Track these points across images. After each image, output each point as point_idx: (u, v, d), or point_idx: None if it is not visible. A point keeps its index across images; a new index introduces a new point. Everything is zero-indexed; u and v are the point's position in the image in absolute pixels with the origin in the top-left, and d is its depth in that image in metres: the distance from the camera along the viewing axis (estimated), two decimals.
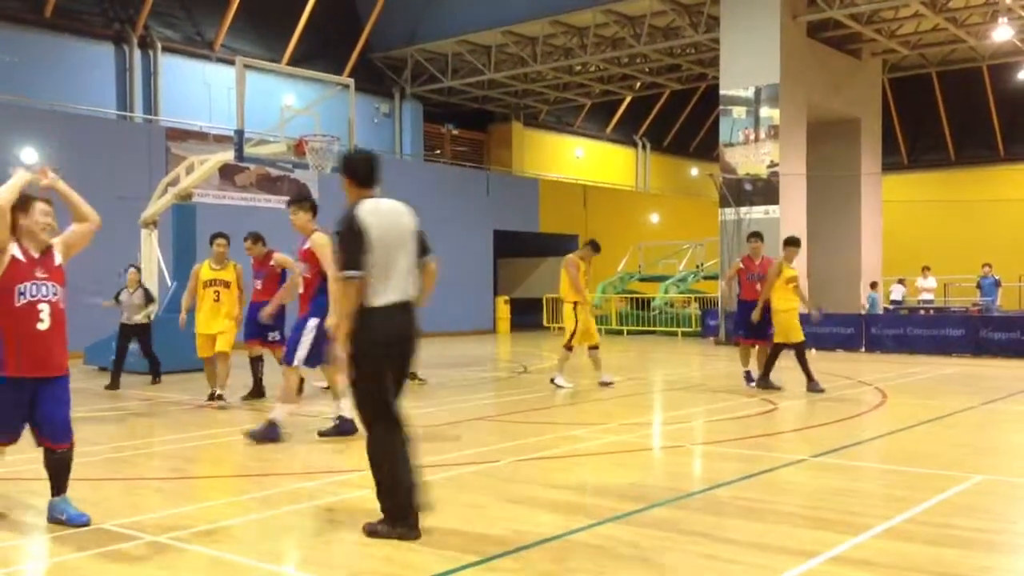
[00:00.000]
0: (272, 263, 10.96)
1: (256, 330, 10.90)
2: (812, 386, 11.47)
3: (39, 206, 5.32)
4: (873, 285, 24.59)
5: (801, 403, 10.88)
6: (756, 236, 12.52)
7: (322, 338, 7.85)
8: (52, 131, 18.82)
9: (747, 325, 11.88)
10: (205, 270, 10.77)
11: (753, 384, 11.93)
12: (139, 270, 13.45)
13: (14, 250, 5.12)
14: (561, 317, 12.93)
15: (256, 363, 11.31)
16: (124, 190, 18.39)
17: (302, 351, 8.26)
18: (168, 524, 5.34)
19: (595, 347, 12.73)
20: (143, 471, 7.09)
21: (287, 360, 8.44)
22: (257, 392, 11.26)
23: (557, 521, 5.34)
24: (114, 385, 12.34)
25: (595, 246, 12.76)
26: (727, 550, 4.78)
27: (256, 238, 11.24)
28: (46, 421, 5.28)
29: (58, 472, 5.40)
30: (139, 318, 12.67)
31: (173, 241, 15.51)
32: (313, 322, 8.23)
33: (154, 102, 22.49)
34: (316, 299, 8.35)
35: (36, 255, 5.24)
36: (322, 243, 8.66)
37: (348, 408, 8.01)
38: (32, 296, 5.11)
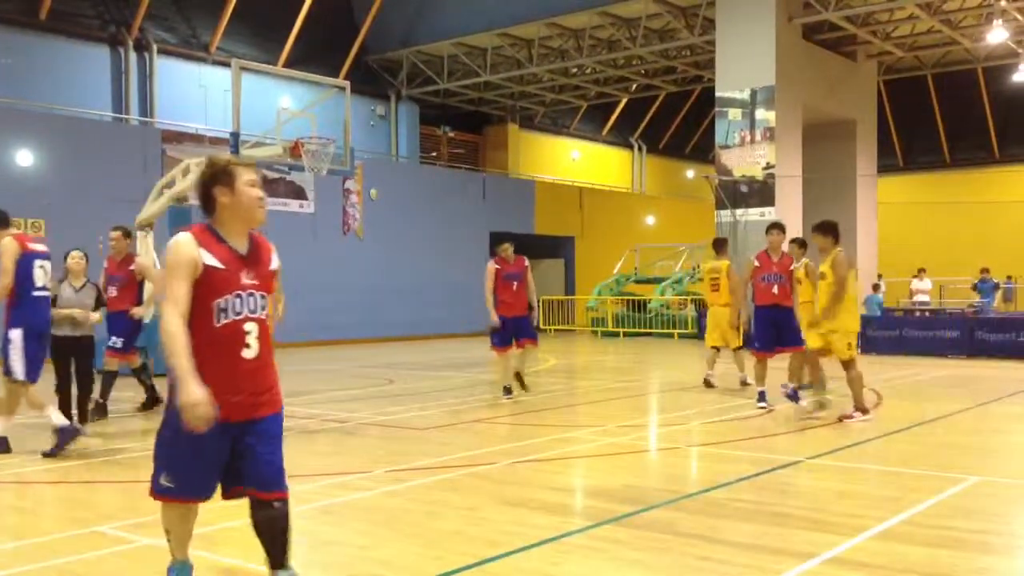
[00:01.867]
0: (132, 268, 9.86)
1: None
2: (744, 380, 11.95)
3: (245, 174, 3.85)
4: (875, 287, 24.58)
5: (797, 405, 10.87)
6: (777, 228, 10.62)
7: (33, 347, 7.71)
8: (48, 134, 18.80)
9: (768, 335, 10.11)
10: None
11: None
12: (86, 256, 8.88)
13: (205, 256, 3.71)
14: (560, 319, 12.77)
15: (140, 374, 10.39)
16: (119, 193, 18.36)
17: (18, 365, 7.65)
18: None
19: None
20: (140, 474, 7.07)
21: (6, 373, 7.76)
22: (152, 401, 10.27)
23: (553, 523, 5.34)
24: (81, 419, 8.70)
25: None
26: (724, 552, 4.79)
27: (126, 233, 10.03)
28: (252, 463, 3.87)
29: (274, 534, 3.93)
30: (86, 329, 8.52)
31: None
32: (16, 333, 7.65)
33: (150, 104, 22.47)
34: (15, 309, 7.67)
35: (243, 252, 3.85)
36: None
37: (57, 416, 7.80)
38: (236, 313, 3.76)
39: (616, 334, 25.95)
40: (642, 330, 25.78)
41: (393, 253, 24.74)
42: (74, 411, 8.52)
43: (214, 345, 3.69)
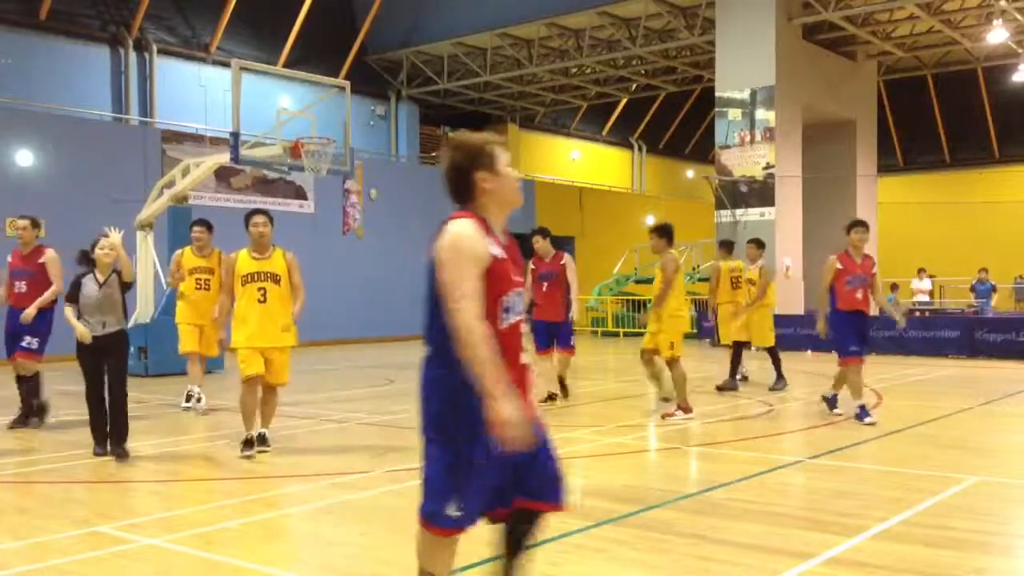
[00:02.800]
0: (43, 260, 9.11)
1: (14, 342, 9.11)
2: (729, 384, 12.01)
3: (503, 154, 3.49)
4: (893, 287, 24.49)
5: (797, 405, 10.89)
6: (861, 225, 9.73)
7: None
8: (47, 134, 18.80)
9: (855, 340, 9.29)
10: (189, 257, 10.41)
11: (838, 411, 9.72)
12: (36, 223, 9.35)
13: (492, 246, 3.28)
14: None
15: (25, 382, 9.23)
16: (120, 193, 18.37)
17: None
18: (164, 527, 5.33)
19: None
20: (138, 474, 7.07)
21: None
22: (30, 413, 9.26)
23: (553, 523, 5.32)
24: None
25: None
26: (724, 552, 4.79)
27: (35, 222, 9.36)
28: (535, 472, 3.56)
29: (525, 545, 3.68)
30: (117, 323, 7.69)
31: (169, 244, 15.48)
32: None
33: (150, 104, 22.47)
34: None
35: (505, 243, 3.43)
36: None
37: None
38: (517, 314, 3.38)
39: (616, 334, 25.95)
40: (642, 330, 25.76)
41: (393, 253, 24.75)
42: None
43: (499, 350, 3.18)
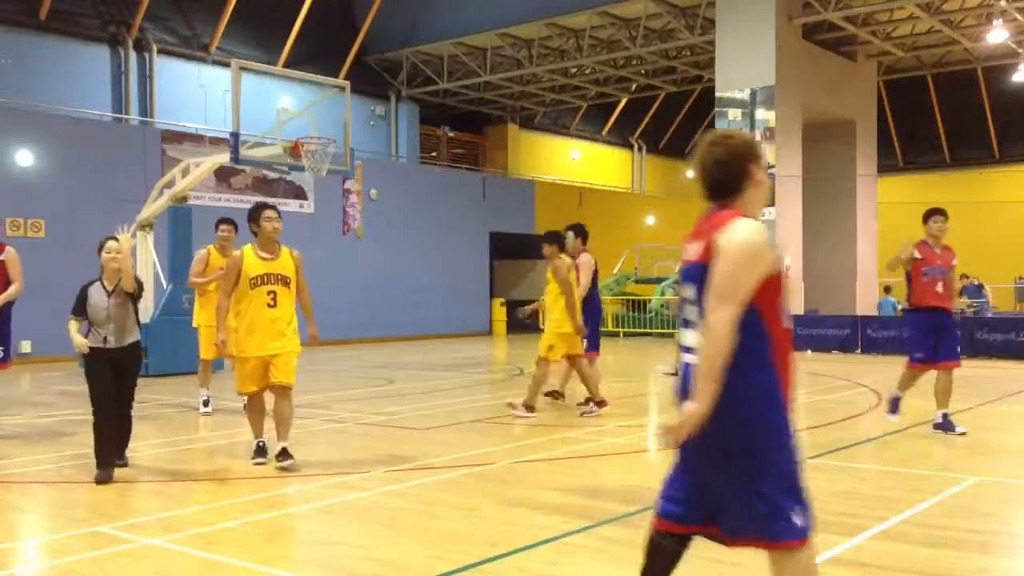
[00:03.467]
0: (2, 258, 8.73)
1: None
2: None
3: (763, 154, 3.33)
4: (887, 289, 24.54)
5: (797, 405, 10.88)
6: (939, 214, 9.00)
7: None
8: (48, 134, 18.80)
9: (929, 342, 8.64)
10: (215, 256, 10.04)
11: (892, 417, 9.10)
12: None
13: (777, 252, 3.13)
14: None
15: None
16: (120, 193, 18.37)
17: None
18: (164, 527, 5.33)
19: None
20: (138, 474, 7.07)
21: None
22: None
23: (554, 523, 5.34)
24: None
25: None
26: (723, 552, 4.78)
27: None
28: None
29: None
30: (132, 334, 7.06)
31: (169, 244, 15.50)
32: None
33: (150, 104, 22.47)
34: None
35: None
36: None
37: None
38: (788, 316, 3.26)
39: (616, 334, 25.95)
40: (642, 330, 25.79)
41: (393, 253, 24.75)
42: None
43: (784, 355, 3.06)
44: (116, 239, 6.79)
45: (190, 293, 15.39)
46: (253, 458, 7.21)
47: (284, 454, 6.95)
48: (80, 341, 6.74)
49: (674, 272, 28.37)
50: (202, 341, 10.07)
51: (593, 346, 10.56)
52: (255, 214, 7.07)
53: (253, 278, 6.97)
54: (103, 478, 6.53)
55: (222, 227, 10.26)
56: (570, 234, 10.52)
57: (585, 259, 10.36)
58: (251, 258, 7.03)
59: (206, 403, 10.22)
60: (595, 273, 10.49)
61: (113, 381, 6.79)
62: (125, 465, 6.99)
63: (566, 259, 9.94)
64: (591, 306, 10.39)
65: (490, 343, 24.22)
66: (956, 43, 25.55)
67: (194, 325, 10.43)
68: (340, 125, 14.51)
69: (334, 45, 26.42)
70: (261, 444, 7.27)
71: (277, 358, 7.03)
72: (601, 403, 9.94)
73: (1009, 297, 30.23)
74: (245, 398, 7.63)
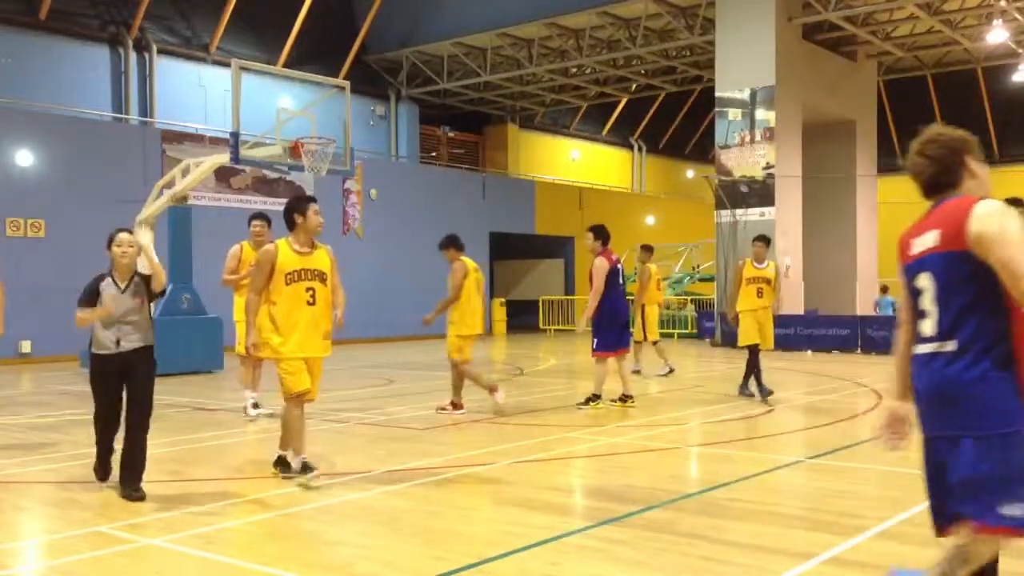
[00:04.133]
0: None
1: None
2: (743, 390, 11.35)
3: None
4: (884, 289, 24.55)
5: (797, 405, 10.89)
6: None
7: None
8: (48, 134, 18.81)
9: None
10: (249, 252, 9.79)
11: None
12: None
13: None
14: (560, 319, 12.46)
15: None
16: (120, 192, 18.37)
17: None
18: (164, 527, 5.33)
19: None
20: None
21: None
22: None
23: (553, 523, 5.34)
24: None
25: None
26: (724, 552, 4.79)
27: None
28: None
29: None
30: (143, 338, 6.29)
31: (169, 243, 15.49)
32: None
33: (150, 104, 22.48)
34: None
35: None
36: None
37: None
38: None
39: None
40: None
41: (393, 253, 24.75)
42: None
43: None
44: (129, 231, 6.26)
45: (190, 293, 15.46)
46: (308, 478, 6.44)
47: (307, 468, 6.54)
48: (102, 307, 5.99)
49: (674, 272, 28.38)
50: (241, 336, 9.72)
51: (603, 346, 10.50)
52: (302, 207, 6.59)
53: (289, 273, 6.47)
54: (138, 497, 5.97)
55: (255, 222, 10.01)
56: (589, 235, 10.58)
57: (596, 263, 10.37)
58: (287, 252, 6.52)
59: (256, 406, 9.74)
60: (614, 274, 10.41)
61: (118, 388, 6.09)
62: (142, 498, 5.97)
63: (468, 262, 10.15)
64: (607, 307, 10.35)
65: (490, 343, 24.22)
66: (956, 43, 25.55)
67: (235, 319, 10.17)
68: (340, 125, 14.52)
69: (334, 45, 26.43)
70: (307, 461, 6.57)
71: (314, 373, 6.64)
72: (457, 406, 10.09)
73: None
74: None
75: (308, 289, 6.48)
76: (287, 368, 6.48)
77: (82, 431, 9.06)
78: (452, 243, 10.20)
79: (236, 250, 9.98)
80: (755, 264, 11.30)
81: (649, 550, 4.81)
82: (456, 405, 10.13)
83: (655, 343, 14.59)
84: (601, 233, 10.50)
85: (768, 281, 11.25)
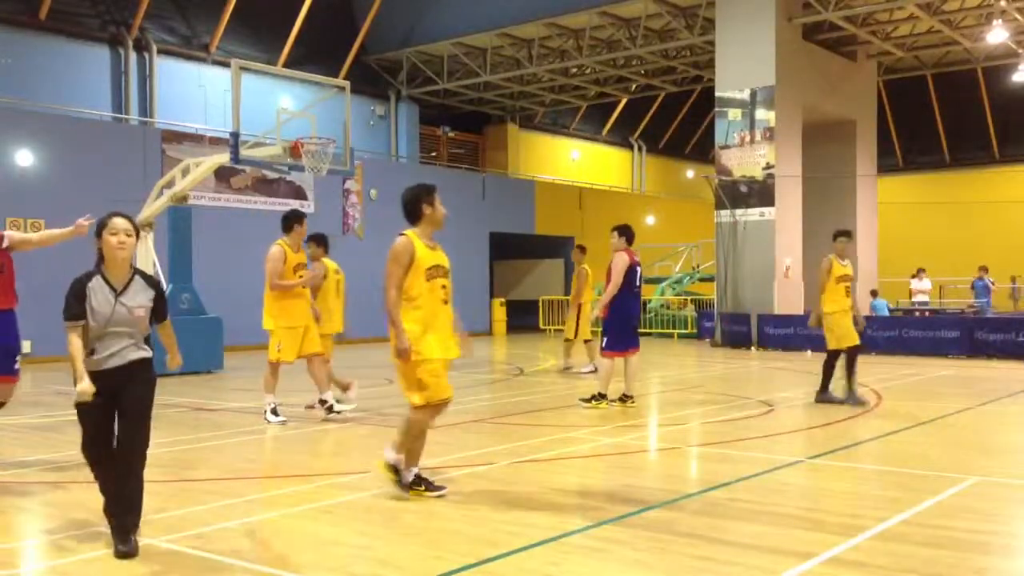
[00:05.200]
0: (6, 245, 7.56)
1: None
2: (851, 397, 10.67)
3: None
4: (873, 293, 24.60)
5: (797, 405, 10.89)
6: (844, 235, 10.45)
7: None
8: (47, 134, 18.80)
9: None
10: (290, 253, 9.54)
11: None
12: (135, 231, 5.60)
13: None
14: (560, 319, 12.72)
15: None
16: (119, 192, 18.35)
17: None
18: (164, 527, 5.33)
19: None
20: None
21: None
22: None
23: (553, 523, 5.34)
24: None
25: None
26: (724, 552, 4.79)
27: None
28: None
29: None
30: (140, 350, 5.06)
31: (169, 243, 15.50)
32: None
33: (150, 104, 22.47)
34: None
35: None
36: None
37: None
38: None
39: None
40: (642, 330, 25.74)
41: None
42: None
43: None
44: (127, 217, 4.98)
45: (190, 293, 15.46)
46: (436, 492, 6.07)
47: (430, 485, 6.11)
48: (83, 385, 4.77)
49: (674, 271, 28.40)
50: (284, 343, 9.47)
51: (612, 346, 10.43)
52: (431, 196, 6.11)
53: (429, 269, 6.00)
54: (124, 552, 4.68)
55: (302, 222, 9.76)
56: (614, 234, 10.60)
57: (616, 257, 10.37)
58: (421, 246, 6.01)
59: (275, 412, 9.51)
60: (632, 273, 10.35)
61: (109, 409, 4.89)
62: (133, 554, 4.69)
63: (329, 263, 10.21)
64: (620, 306, 10.31)
65: (490, 343, 24.21)
66: (956, 43, 25.55)
67: (267, 328, 9.64)
68: (340, 125, 14.51)
69: (334, 45, 26.43)
70: (420, 473, 6.17)
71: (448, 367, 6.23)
72: (326, 406, 9.79)
73: (1008, 297, 30.23)
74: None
75: (443, 287, 6.08)
76: (432, 371, 5.98)
77: (78, 431, 9.07)
78: (316, 240, 10.13)
79: (279, 252, 9.48)
80: (840, 261, 10.90)
81: (649, 550, 4.81)
82: (324, 403, 9.81)
83: (587, 342, 14.99)
84: (625, 232, 10.59)
85: (851, 278, 10.98)
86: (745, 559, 4.64)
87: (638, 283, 10.54)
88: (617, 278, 10.24)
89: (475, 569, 4.48)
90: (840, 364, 10.69)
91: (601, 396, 10.42)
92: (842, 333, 10.62)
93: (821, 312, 10.77)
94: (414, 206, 6.08)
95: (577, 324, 15.10)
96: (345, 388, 10.23)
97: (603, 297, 10.42)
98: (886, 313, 23.67)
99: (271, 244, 9.65)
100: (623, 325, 10.43)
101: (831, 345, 10.72)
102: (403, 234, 6.06)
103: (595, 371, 14.49)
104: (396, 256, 5.98)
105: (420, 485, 6.05)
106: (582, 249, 15.48)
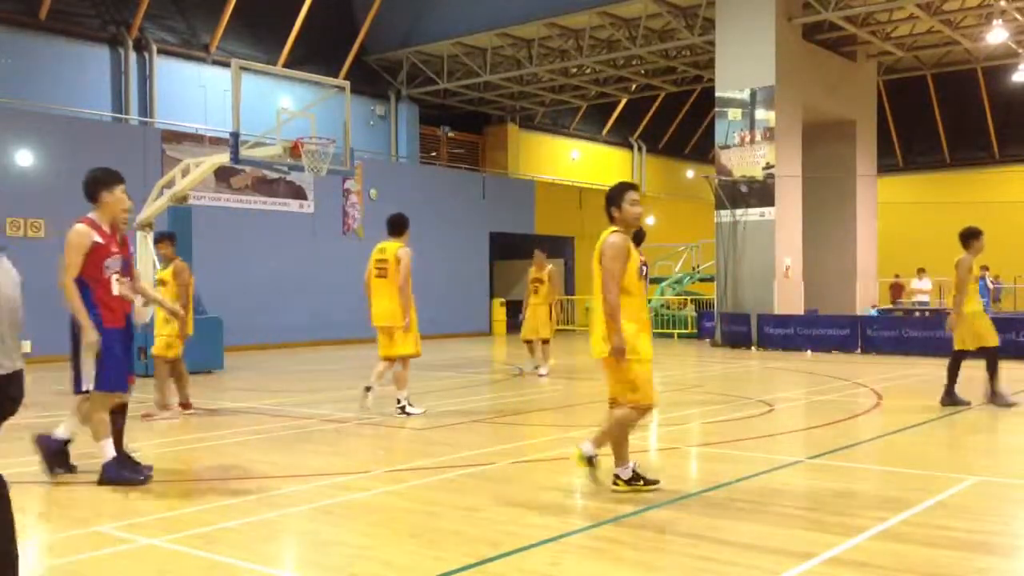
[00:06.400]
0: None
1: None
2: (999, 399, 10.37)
3: None
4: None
5: (797, 405, 10.89)
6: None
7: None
8: (47, 134, 18.80)
9: None
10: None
11: None
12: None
13: None
14: (560, 319, 12.88)
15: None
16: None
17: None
18: (164, 527, 5.33)
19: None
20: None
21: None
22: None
23: (553, 523, 5.34)
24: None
25: None
26: (724, 552, 4.79)
27: None
28: None
29: None
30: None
31: None
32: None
33: (150, 104, 22.47)
34: None
35: None
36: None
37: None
38: None
39: None
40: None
41: None
42: None
43: None
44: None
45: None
46: (634, 482, 6.11)
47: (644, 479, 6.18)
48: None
49: (674, 271, 28.39)
50: (417, 339, 10.24)
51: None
52: (622, 195, 6.09)
53: (639, 267, 6.04)
54: None
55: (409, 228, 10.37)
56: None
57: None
58: (631, 244, 6.05)
59: (410, 403, 10.00)
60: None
61: None
62: None
63: (179, 264, 10.29)
64: None
65: (490, 343, 24.21)
66: (956, 43, 25.55)
67: (400, 325, 10.38)
68: (340, 125, 14.52)
69: (334, 45, 26.42)
70: (636, 469, 6.21)
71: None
72: (166, 407, 9.89)
73: (1006, 297, 30.23)
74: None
75: (647, 287, 6.09)
76: (646, 372, 5.97)
77: (82, 431, 9.05)
78: (169, 238, 10.22)
79: (410, 252, 10.63)
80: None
81: (649, 550, 4.81)
82: (162, 407, 9.82)
83: (545, 342, 15.00)
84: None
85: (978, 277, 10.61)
86: (745, 559, 4.64)
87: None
88: None
89: (475, 569, 4.48)
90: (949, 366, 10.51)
91: None
92: (984, 332, 10.44)
93: (961, 313, 10.52)
94: (610, 206, 6.13)
95: (551, 322, 15.09)
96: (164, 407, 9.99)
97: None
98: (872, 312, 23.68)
99: (405, 248, 10.82)
100: None
101: (965, 345, 10.47)
102: (615, 231, 6.04)
103: (524, 373, 14.76)
104: (618, 253, 5.93)
105: (639, 480, 6.12)
106: (543, 249, 15.66)
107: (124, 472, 6.49)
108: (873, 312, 23.82)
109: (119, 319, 6.57)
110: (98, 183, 6.83)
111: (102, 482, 6.43)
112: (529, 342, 15.11)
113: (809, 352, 18.52)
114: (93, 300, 6.46)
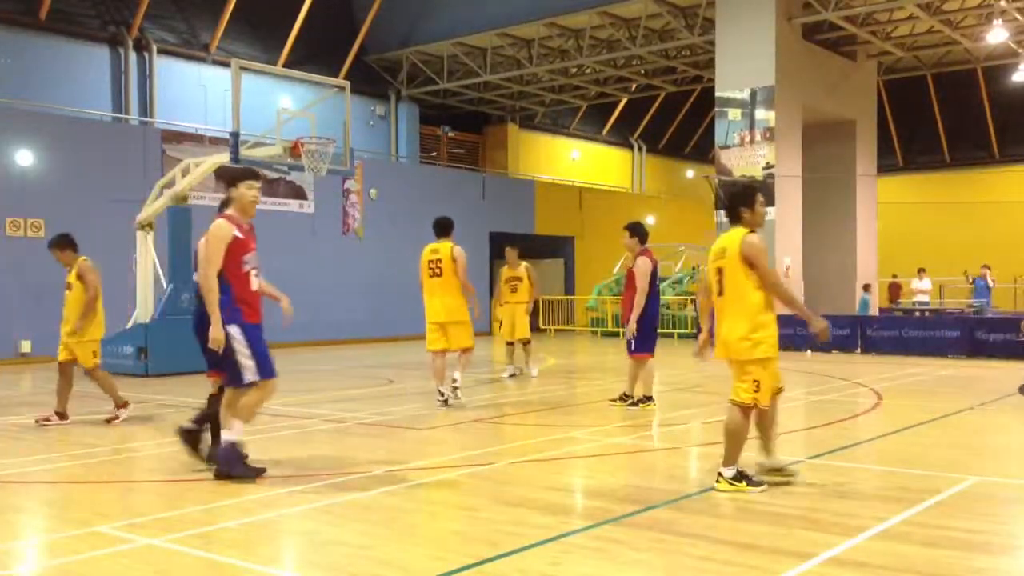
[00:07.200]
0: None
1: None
2: None
3: None
4: (866, 287, 24.62)
5: (797, 405, 10.89)
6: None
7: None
8: (47, 134, 18.80)
9: None
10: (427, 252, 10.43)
11: None
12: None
13: None
14: (560, 319, 12.83)
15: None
16: (120, 193, 18.37)
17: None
18: (164, 527, 5.33)
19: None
20: (138, 474, 7.08)
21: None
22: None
23: (553, 523, 5.34)
24: None
25: None
26: (724, 551, 4.79)
27: None
28: None
29: None
30: None
31: (169, 243, 15.50)
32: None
33: (150, 104, 22.47)
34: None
35: None
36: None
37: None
38: None
39: (616, 334, 25.90)
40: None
41: (393, 253, 24.75)
42: None
43: None
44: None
45: (190, 293, 15.43)
46: (748, 484, 6.19)
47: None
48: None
49: (674, 272, 28.38)
50: (470, 332, 10.75)
51: (646, 348, 10.28)
52: (751, 199, 6.33)
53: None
54: None
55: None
56: (626, 233, 10.32)
57: (640, 263, 10.11)
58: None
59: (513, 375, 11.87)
60: (653, 275, 10.18)
61: None
62: None
63: (84, 264, 9.62)
64: (649, 308, 10.14)
65: (490, 343, 24.22)
66: (956, 43, 25.55)
67: (462, 319, 10.74)
68: (340, 125, 14.52)
69: (334, 45, 26.43)
70: (742, 469, 6.30)
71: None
72: (123, 406, 9.67)
73: (1007, 297, 30.22)
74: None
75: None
76: (772, 372, 6.25)
77: (82, 431, 9.07)
78: (68, 242, 9.57)
79: (464, 252, 10.99)
80: None
81: (649, 550, 4.81)
82: (61, 415, 9.53)
83: (526, 344, 15.00)
84: (638, 231, 10.24)
85: None
86: (745, 559, 4.64)
87: (658, 283, 10.43)
88: (643, 284, 10.03)
89: (475, 569, 4.48)
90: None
91: (648, 399, 10.34)
92: None
93: None
94: (742, 203, 6.30)
95: (517, 324, 14.93)
96: (120, 405, 9.80)
97: (635, 309, 10.08)
98: (869, 310, 23.67)
99: (459, 247, 11.00)
100: (651, 327, 10.29)
101: None
102: (750, 231, 6.21)
103: (515, 375, 14.60)
104: (764, 250, 6.18)
105: (742, 480, 6.19)
106: (515, 247, 15.38)
107: (239, 466, 6.55)
108: (866, 297, 23.82)
109: (258, 314, 6.73)
110: (235, 178, 6.78)
111: (219, 470, 6.55)
112: (511, 344, 14.91)
113: (809, 352, 18.51)
114: (234, 298, 6.55)
